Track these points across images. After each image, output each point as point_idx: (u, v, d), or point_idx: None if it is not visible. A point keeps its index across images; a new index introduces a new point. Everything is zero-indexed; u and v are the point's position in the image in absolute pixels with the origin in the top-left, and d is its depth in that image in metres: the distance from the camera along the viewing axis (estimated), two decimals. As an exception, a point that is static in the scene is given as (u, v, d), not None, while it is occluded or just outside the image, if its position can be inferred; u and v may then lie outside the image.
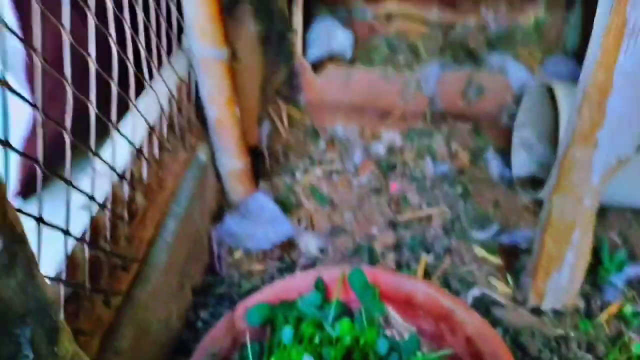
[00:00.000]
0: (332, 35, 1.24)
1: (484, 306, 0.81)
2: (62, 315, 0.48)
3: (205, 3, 0.71)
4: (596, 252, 0.89)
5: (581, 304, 0.82)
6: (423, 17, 1.44)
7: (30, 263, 0.32)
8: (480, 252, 0.88)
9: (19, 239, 0.30)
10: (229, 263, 0.84)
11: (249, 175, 0.91)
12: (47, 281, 0.35)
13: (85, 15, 0.51)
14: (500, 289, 0.83)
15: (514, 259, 0.87)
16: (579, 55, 1.25)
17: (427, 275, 0.85)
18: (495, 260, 0.87)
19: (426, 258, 0.86)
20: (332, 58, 1.24)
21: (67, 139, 0.48)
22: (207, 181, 0.87)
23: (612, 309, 0.82)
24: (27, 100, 0.40)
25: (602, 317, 0.80)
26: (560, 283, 0.79)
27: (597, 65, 0.60)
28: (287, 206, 0.93)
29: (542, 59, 1.26)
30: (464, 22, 1.43)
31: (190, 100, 0.82)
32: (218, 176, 0.91)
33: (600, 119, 0.63)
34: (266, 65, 1.19)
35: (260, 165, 0.99)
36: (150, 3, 0.66)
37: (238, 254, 0.85)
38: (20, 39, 0.40)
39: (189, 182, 0.80)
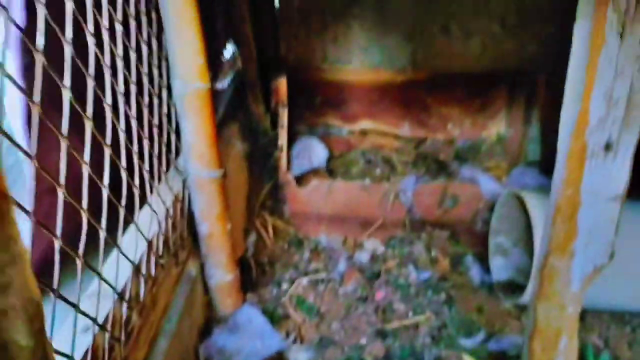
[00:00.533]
0: (313, 151, 1.33)
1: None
2: None
3: (203, 131, 0.77)
4: (581, 356, 0.91)
5: (574, 411, 0.82)
6: (395, 133, 1.56)
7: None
8: (470, 360, 0.89)
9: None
10: (218, 382, 0.81)
11: (237, 287, 0.92)
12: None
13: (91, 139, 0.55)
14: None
15: (504, 367, 0.88)
16: (541, 166, 1.36)
17: (420, 387, 0.84)
18: (486, 368, 0.88)
19: (418, 369, 0.86)
20: (313, 171, 1.31)
21: (79, 265, 0.49)
22: (196, 295, 0.87)
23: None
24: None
25: None
26: (551, 390, 0.79)
27: (564, 183, 0.67)
28: (274, 318, 0.93)
29: (507, 169, 1.36)
30: (433, 137, 1.55)
31: (183, 217, 0.85)
32: (206, 289, 0.91)
33: (574, 231, 0.69)
34: (251, 180, 1.25)
35: (247, 276, 1.00)
36: (154, 130, 0.72)
37: (227, 372, 0.83)
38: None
39: (180, 297, 0.80)
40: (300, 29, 1.55)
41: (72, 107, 0.49)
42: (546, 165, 1.38)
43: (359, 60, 1.60)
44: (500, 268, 1.13)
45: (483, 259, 1.15)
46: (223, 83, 1.30)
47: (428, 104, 1.58)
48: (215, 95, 0.86)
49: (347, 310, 0.98)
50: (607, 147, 0.67)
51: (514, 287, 1.09)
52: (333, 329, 0.93)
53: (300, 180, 1.22)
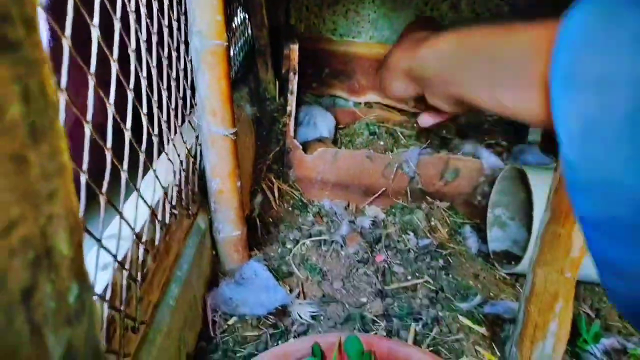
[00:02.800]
0: (320, 121, 1.35)
1: (472, 375, 0.84)
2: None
3: (218, 87, 0.79)
4: (573, 325, 0.95)
5: (563, 373, 0.86)
6: (400, 108, 1.58)
7: (93, 313, 0.34)
8: (465, 321, 0.92)
9: (88, 288, 0.33)
10: (223, 329, 0.84)
11: (243, 243, 0.94)
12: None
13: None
14: (488, 358, 0.86)
15: (498, 329, 0.91)
16: (541, 146, 1.38)
17: (416, 343, 0.87)
18: (481, 329, 0.91)
19: (415, 326, 0.89)
20: (318, 140, 1.33)
21: (102, 202, 0.52)
22: (205, 248, 0.90)
23: (592, 377, 0.86)
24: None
25: (583, 385, 0.84)
26: (545, 351, 0.83)
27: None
28: (279, 274, 0.96)
29: (508, 147, 1.39)
30: (437, 110, 1.56)
31: (195, 171, 0.87)
32: (214, 244, 0.93)
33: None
34: (258, 144, 1.27)
35: (253, 235, 1.03)
36: (172, 83, 0.73)
37: (232, 320, 0.86)
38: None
39: (190, 248, 0.83)
40: (311, -1, 1.56)
41: (98, 47, 0.51)
42: (546, 146, 1.41)
43: (368, 34, 1.61)
44: (497, 239, 1.16)
45: (481, 230, 1.18)
46: (234, 49, 1.31)
47: (434, 80, 1.59)
48: (230, 60, 0.88)
49: (349, 271, 1.01)
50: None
51: (510, 258, 1.13)
52: (335, 287, 0.97)
53: (306, 147, 1.24)
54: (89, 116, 0.50)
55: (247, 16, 1.44)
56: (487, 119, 1.56)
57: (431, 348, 0.87)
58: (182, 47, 0.81)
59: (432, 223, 1.19)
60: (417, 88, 0.64)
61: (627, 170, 0.29)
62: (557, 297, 0.79)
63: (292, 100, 1.21)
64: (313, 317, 0.89)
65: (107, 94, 0.54)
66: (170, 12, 0.75)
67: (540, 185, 0.96)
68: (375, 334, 0.89)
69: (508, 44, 0.42)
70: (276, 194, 1.17)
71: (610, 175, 0.30)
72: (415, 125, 1.53)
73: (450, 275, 1.04)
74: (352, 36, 1.60)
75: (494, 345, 0.89)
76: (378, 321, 0.90)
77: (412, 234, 1.14)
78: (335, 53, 1.58)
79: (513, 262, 1.08)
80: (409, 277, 1.02)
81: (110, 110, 0.54)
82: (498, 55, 0.45)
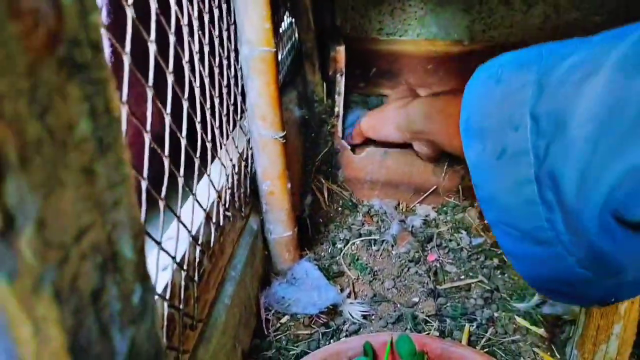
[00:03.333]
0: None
1: (531, 378, 0.81)
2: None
3: (267, 93, 0.81)
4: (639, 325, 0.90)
5: (629, 377, 0.82)
6: (450, 102, 1.55)
7: (154, 313, 0.36)
8: (522, 322, 0.90)
9: (150, 289, 0.35)
10: (276, 327, 0.86)
11: (294, 243, 0.96)
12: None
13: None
14: (546, 360, 0.84)
15: (558, 330, 0.88)
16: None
17: (471, 344, 0.86)
18: (539, 330, 0.88)
19: (469, 327, 0.88)
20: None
21: (162, 206, 0.55)
22: (257, 249, 0.92)
23: (661, 382, 0.81)
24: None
25: (651, 390, 0.80)
26: (608, 355, 0.79)
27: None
28: (330, 274, 0.98)
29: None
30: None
31: (247, 174, 0.90)
32: (266, 244, 0.96)
33: None
34: (307, 146, 1.29)
35: (304, 235, 1.05)
36: (223, 90, 0.76)
37: (285, 319, 0.88)
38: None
39: (243, 249, 0.86)
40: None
41: (155, 61, 0.54)
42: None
43: (415, 31, 1.60)
44: (556, 237, 1.12)
45: (538, 228, 1.14)
46: (281, 53, 1.33)
47: (485, 75, 1.55)
48: (278, 66, 0.90)
49: (400, 270, 1.01)
50: None
51: (570, 256, 1.08)
52: (386, 286, 0.97)
53: (354, 147, 1.25)
54: (148, 126, 0.53)
55: (294, 20, 1.46)
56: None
57: (486, 349, 0.85)
58: (232, 55, 0.84)
59: (486, 222, 1.16)
60: (404, 136, 1.00)
61: (499, 191, 0.46)
62: (621, 298, 0.76)
63: (339, 101, 1.22)
64: (364, 317, 0.90)
65: (164, 105, 0.57)
66: (221, 23, 0.78)
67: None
68: (428, 334, 0.88)
69: (456, 105, 0.54)
70: (326, 195, 1.19)
71: (490, 194, 0.48)
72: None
73: (506, 275, 1.02)
74: (399, 34, 1.59)
75: (553, 347, 0.86)
76: (430, 321, 0.89)
77: (464, 232, 1.12)
78: (382, 52, 1.58)
79: (573, 261, 1.04)
80: (462, 277, 1.01)
81: (167, 120, 0.58)
82: (452, 112, 0.67)
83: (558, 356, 0.84)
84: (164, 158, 0.57)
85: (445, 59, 1.54)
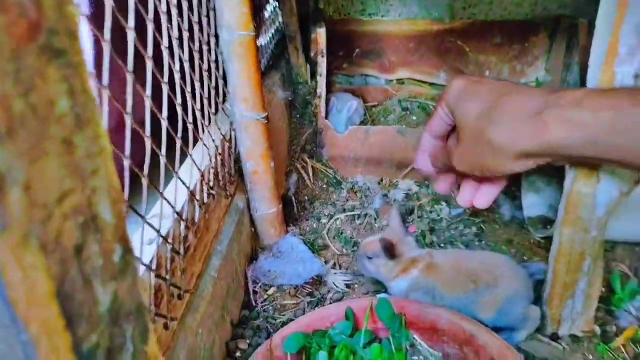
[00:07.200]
0: (349, 108, 1.37)
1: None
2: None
3: (247, 75, 0.85)
4: (608, 283, 0.95)
5: (597, 330, 0.87)
6: (432, 82, 1.59)
7: (135, 272, 0.40)
8: (496, 285, 0.95)
9: (130, 250, 0.39)
10: (263, 298, 0.91)
11: (280, 220, 1.01)
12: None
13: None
14: (518, 318, 0.89)
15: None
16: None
17: (448, 307, 0.91)
18: (511, 292, 0.93)
19: (446, 291, 0.93)
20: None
21: (145, 183, 0.59)
22: (244, 225, 0.97)
23: (628, 333, 0.86)
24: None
25: (618, 341, 0.85)
26: (575, 309, 0.85)
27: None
28: (314, 247, 1.02)
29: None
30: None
31: (230, 156, 0.94)
32: (252, 222, 1.00)
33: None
34: (292, 126, 1.32)
35: (289, 212, 1.09)
36: (204, 74, 0.80)
37: (271, 290, 0.93)
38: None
39: (229, 225, 0.90)
40: (337, -20, 1.58)
41: (134, 47, 0.58)
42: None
43: (397, 11, 1.62)
44: (532, 204, 1.17)
45: (515, 197, 1.19)
46: (265, 37, 1.36)
47: (465, 52, 1.59)
48: (258, 49, 0.93)
49: (382, 242, 1.05)
50: (637, 76, 0.70)
51: (546, 222, 1.13)
52: (368, 257, 1.02)
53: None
54: (129, 108, 0.57)
55: (277, 5, 1.49)
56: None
57: (462, 311, 0.90)
58: (213, 40, 0.87)
59: (465, 193, 1.21)
60: (540, 162, 0.57)
61: None
62: (584, 256, 0.81)
63: (321, 82, 1.25)
64: (347, 286, 0.95)
65: (144, 88, 0.60)
66: (200, 9, 0.81)
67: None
68: (408, 299, 0.93)
69: None
70: (310, 173, 1.23)
71: None
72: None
73: (484, 242, 1.07)
74: (381, 15, 1.62)
75: (525, 306, 0.91)
76: (410, 288, 0.94)
77: (444, 204, 1.17)
78: (364, 33, 1.61)
79: (549, 227, 1.09)
80: (442, 245, 1.06)
81: (148, 102, 0.61)
82: None
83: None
84: (145, 138, 0.60)
85: (426, 38, 1.57)
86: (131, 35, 0.57)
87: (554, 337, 0.86)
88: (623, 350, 0.84)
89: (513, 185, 1.21)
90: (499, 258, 0.87)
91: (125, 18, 0.56)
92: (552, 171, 1.18)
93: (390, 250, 0.84)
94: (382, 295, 0.89)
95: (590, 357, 0.83)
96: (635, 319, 0.89)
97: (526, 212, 1.15)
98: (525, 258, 1.02)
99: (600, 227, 0.80)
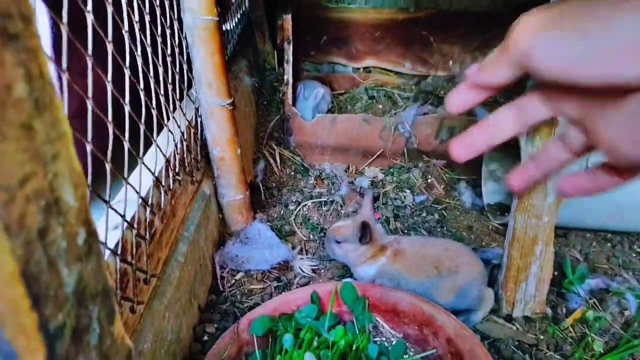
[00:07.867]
0: (316, 96, 1.38)
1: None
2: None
3: (212, 61, 0.85)
4: (561, 267, 1.00)
5: (549, 311, 0.92)
6: (397, 71, 1.61)
7: (99, 255, 0.41)
8: (456, 269, 0.98)
9: (94, 234, 0.40)
10: (231, 283, 0.92)
11: (247, 206, 1.02)
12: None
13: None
14: (476, 300, 0.93)
15: (488, 274, 0.97)
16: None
17: (410, 290, 0.94)
18: (470, 275, 0.97)
19: (409, 275, 0.96)
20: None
21: (108, 168, 0.59)
22: (211, 211, 0.97)
23: (577, 314, 0.92)
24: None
25: (568, 322, 0.90)
26: (528, 292, 0.89)
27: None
28: (282, 233, 1.04)
29: (505, 102, 1.42)
30: (434, 74, 1.60)
31: (197, 142, 0.94)
32: (219, 208, 1.01)
33: (544, 143, 0.76)
34: (259, 113, 1.32)
35: (257, 198, 1.10)
36: (167, 59, 0.79)
37: (239, 276, 0.94)
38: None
39: (196, 211, 0.90)
40: (304, -33, 1.57)
41: (94, 31, 0.57)
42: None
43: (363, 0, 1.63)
44: (492, 192, 1.21)
45: (476, 186, 1.23)
46: (231, 23, 1.35)
47: (429, 42, 1.61)
48: (224, 34, 0.93)
49: (347, 228, 1.08)
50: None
51: (505, 210, 1.18)
52: (334, 243, 1.04)
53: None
54: (90, 93, 0.56)
55: (243, -11, 1.48)
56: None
57: (424, 294, 0.93)
58: (176, 24, 0.86)
59: (429, 180, 1.24)
60: None
61: None
62: (537, 241, 0.85)
63: (288, 69, 1.26)
64: (314, 271, 0.97)
65: (106, 73, 0.60)
66: (162, -8, 0.80)
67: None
68: (372, 283, 0.96)
69: None
70: (278, 160, 1.24)
71: None
72: (413, 87, 1.57)
73: (445, 228, 1.10)
74: (348, 2, 1.62)
75: (482, 289, 0.95)
76: (374, 272, 0.97)
77: (408, 191, 1.19)
78: (332, 20, 1.61)
79: (507, 214, 1.13)
80: (406, 231, 1.09)
81: (109, 87, 0.61)
82: None
83: (487, 296, 0.94)
84: (107, 123, 0.60)
85: (391, 26, 1.59)
86: (90, 19, 0.57)
87: (508, 318, 0.90)
88: (572, 330, 0.89)
89: (475, 175, 1.25)
90: (460, 245, 0.91)
91: (85, 1, 0.55)
92: (511, 161, 1.22)
93: (371, 234, 0.86)
94: (347, 280, 0.92)
95: (542, 337, 0.87)
96: (584, 301, 0.94)
97: (486, 200, 1.19)
98: (484, 244, 1.06)
99: (551, 213, 0.84)
